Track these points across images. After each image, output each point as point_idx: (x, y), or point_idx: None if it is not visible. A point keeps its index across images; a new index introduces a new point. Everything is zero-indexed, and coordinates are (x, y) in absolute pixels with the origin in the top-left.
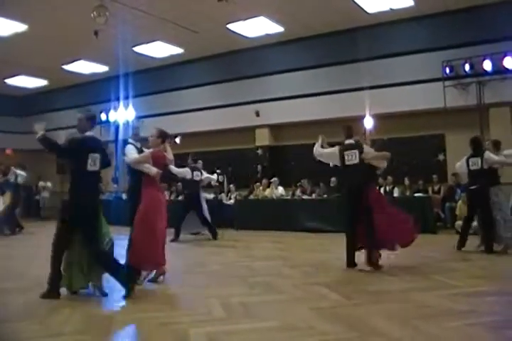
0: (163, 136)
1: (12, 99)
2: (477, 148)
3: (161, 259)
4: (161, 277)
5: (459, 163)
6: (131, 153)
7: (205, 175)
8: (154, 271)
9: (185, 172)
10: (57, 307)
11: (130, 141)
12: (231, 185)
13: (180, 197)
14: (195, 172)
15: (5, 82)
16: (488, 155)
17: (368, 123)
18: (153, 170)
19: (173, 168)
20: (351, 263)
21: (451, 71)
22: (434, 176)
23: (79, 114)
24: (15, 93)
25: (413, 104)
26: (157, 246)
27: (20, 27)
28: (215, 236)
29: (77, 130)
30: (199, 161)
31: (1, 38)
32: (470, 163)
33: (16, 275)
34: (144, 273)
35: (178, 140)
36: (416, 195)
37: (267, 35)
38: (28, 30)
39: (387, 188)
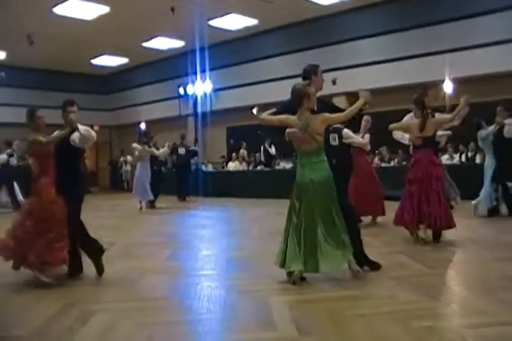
0: None
1: (97, 78)
2: None
3: None
4: None
5: None
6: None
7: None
8: None
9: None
10: (142, 274)
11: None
12: None
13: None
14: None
15: (90, 62)
16: None
17: (448, 87)
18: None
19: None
20: None
21: None
22: None
23: None
24: (99, 72)
25: (497, 65)
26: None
27: (103, 9)
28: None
29: None
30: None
31: (87, 21)
32: None
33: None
34: None
35: (255, 111)
36: None
37: (341, 1)
38: (110, 12)
39: (469, 155)
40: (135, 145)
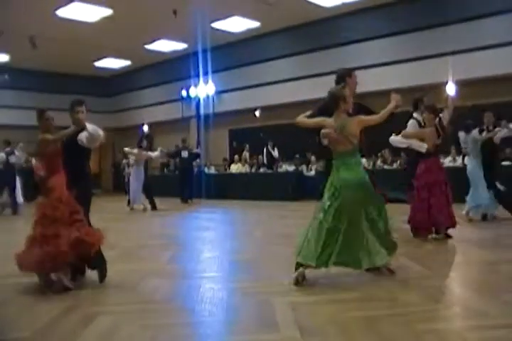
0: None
1: (100, 80)
2: None
3: None
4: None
5: None
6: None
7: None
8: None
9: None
10: (144, 276)
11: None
12: (312, 157)
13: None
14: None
15: (93, 65)
16: None
17: (451, 89)
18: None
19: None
20: None
21: None
22: None
23: None
24: (102, 74)
25: (500, 67)
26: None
27: (106, 12)
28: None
29: None
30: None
31: (90, 23)
32: None
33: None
34: None
35: (257, 113)
36: (503, 163)
37: (344, 3)
38: (113, 14)
39: None
40: (127, 149)
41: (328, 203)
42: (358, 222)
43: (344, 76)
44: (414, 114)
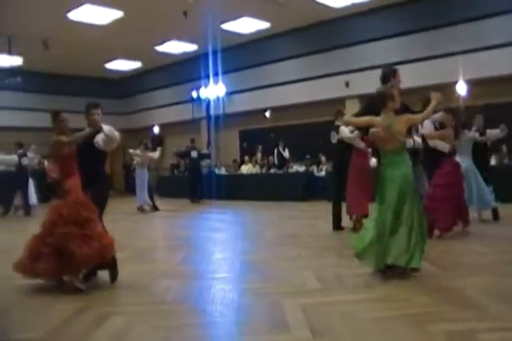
0: None
1: (110, 82)
2: None
3: None
4: None
5: None
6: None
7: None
8: None
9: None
10: (156, 277)
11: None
12: (323, 157)
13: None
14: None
15: (104, 67)
16: None
17: (462, 89)
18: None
19: None
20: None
21: None
22: None
23: None
24: (113, 76)
25: (510, 66)
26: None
27: (116, 14)
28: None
29: None
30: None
31: (101, 26)
32: None
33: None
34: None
35: (267, 114)
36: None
37: (353, 4)
38: (123, 16)
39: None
40: (131, 151)
41: (380, 201)
42: (402, 218)
43: (389, 75)
44: None
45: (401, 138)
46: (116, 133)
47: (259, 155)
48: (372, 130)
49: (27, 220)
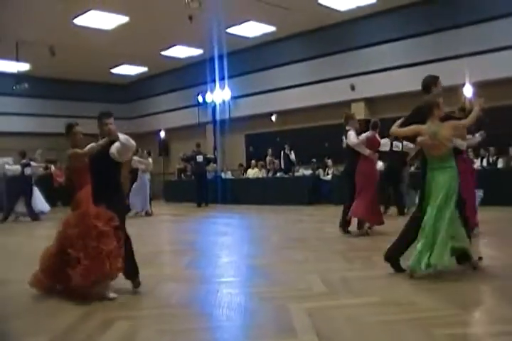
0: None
1: (117, 87)
2: None
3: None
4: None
5: None
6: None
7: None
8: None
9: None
10: (162, 282)
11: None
12: (329, 160)
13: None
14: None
15: (110, 72)
16: None
17: (468, 91)
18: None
19: None
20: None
21: None
22: None
23: None
24: (119, 81)
25: None
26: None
27: (122, 19)
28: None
29: None
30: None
31: (107, 31)
32: None
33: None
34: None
35: (273, 118)
36: None
37: (358, 7)
38: (129, 21)
39: (491, 159)
40: (137, 158)
41: (427, 204)
42: (442, 222)
43: (430, 85)
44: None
45: (448, 144)
46: (133, 142)
47: (269, 158)
48: (419, 138)
49: (34, 225)
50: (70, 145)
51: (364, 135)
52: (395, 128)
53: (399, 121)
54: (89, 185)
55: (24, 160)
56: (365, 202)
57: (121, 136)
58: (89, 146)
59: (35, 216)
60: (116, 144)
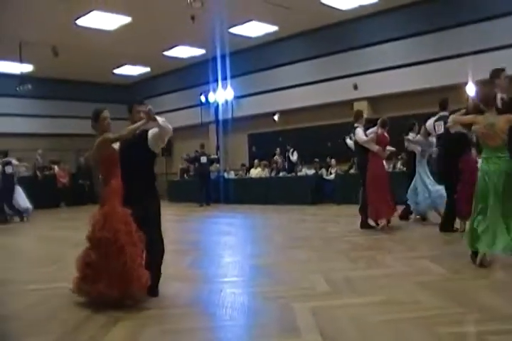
0: None
1: (119, 88)
2: None
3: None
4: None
5: None
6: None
7: None
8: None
9: None
10: (165, 281)
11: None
12: (332, 160)
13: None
14: None
15: (113, 72)
16: None
17: (472, 90)
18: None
19: None
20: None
21: None
22: None
23: None
24: (122, 82)
25: None
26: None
27: (124, 19)
28: None
29: None
30: None
31: (109, 31)
32: None
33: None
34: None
35: (276, 117)
36: None
37: (361, 6)
38: (131, 22)
39: None
40: None
41: (480, 192)
42: (498, 209)
43: (493, 77)
44: (441, 113)
45: (503, 136)
46: (170, 126)
47: (276, 158)
48: (473, 127)
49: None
50: (98, 132)
51: (371, 131)
52: (457, 117)
53: (461, 111)
54: (116, 179)
55: (5, 159)
56: (373, 204)
57: (159, 119)
58: (125, 130)
59: (20, 215)
60: (153, 130)
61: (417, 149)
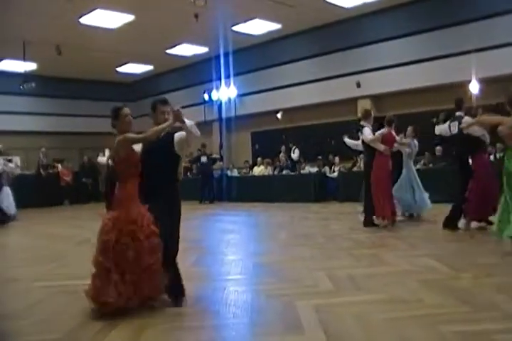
0: None
1: (123, 86)
2: None
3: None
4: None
5: None
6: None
7: None
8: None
9: None
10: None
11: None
12: (335, 158)
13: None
14: None
15: (116, 71)
16: None
17: (474, 88)
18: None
19: None
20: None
21: None
22: None
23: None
24: (125, 80)
25: None
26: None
27: (127, 17)
28: None
29: None
30: None
31: (112, 30)
32: None
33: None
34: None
35: (279, 115)
36: None
37: (364, 4)
38: (134, 20)
39: (498, 155)
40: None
41: (506, 186)
42: None
43: None
44: (457, 113)
45: None
46: (198, 130)
47: (282, 155)
48: (499, 127)
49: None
50: (118, 130)
51: (380, 132)
52: (485, 117)
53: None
54: (133, 182)
55: None
56: (379, 201)
57: (188, 122)
58: (152, 130)
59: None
60: (180, 134)
61: (405, 150)
